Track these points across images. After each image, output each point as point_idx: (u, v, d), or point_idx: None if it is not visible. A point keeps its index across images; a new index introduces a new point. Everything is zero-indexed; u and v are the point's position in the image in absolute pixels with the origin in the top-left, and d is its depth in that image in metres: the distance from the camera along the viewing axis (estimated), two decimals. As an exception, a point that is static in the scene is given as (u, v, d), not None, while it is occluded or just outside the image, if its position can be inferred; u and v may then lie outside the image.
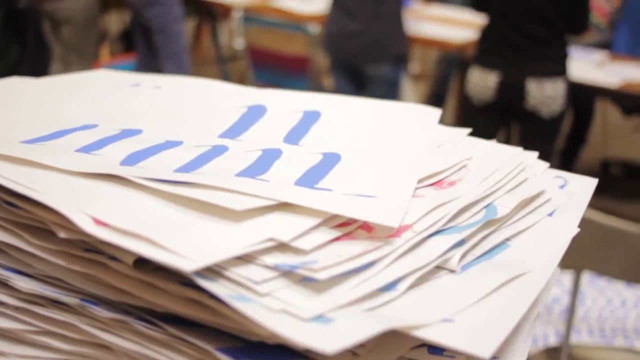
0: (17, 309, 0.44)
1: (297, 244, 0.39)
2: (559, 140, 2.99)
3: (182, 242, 0.37)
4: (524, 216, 0.51)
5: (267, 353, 0.38)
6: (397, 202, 0.43)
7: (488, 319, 0.39)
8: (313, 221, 0.40)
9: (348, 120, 0.59)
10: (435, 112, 0.62)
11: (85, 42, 3.28)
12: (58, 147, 0.48)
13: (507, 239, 0.48)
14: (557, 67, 2.60)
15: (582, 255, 1.57)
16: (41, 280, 0.44)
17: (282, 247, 0.39)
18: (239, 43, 4.25)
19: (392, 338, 0.42)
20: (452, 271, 0.44)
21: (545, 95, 2.56)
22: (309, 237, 0.39)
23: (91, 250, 0.42)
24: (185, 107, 0.61)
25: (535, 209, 0.52)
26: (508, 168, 0.53)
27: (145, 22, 2.74)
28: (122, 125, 0.54)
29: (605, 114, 4.15)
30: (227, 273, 0.36)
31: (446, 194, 0.48)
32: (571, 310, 1.68)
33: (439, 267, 0.44)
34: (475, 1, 2.92)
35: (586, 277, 1.95)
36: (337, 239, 0.41)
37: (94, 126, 0.54)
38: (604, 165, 4.00)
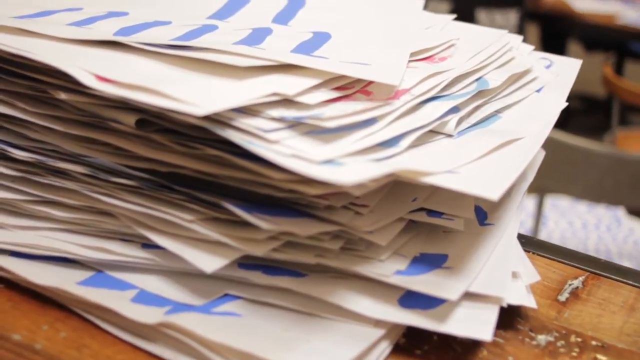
0: (15, 179, 0.43)
1: (301, 99, 0.39)
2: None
3: (189, 92, 0.37)
4: (513, 91, 0.52)
5: (275, 209, 0.39)
6: (394, 65, 0.44)
7: (491, 169, 0.40)
8: (314, 81, 0.40)
9: (334, 5, 0.59)
10: (420, 0, 0.62)
11: None
12: (48, 22, 0.48)
13: (498, 111, 0.49)
14: None
15: (546, 177, 1.60)
16: (39, 152, 0.43)
17: (286, 102, 0.39)
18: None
19: (393, 200, 0.43)
20: (449, 136, 0.44)
21: (495, 25, 2.56)
22: (312, 94, 0.40)
23: (90, 116, 0.41)
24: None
25: (524, 85, 0.53)
26: (496, 47, 0.53)
27: None
28: (107, 8, 0.53)
29: (568, 49, 4.18)
30: (235, 123, 0.36)
31: (439, 66, 0.48)
32: (534, 232, 1.72)
33: (436, 132, 0.44)
34: None
35: (549, 201, 1.99)
36: (337, 99, 0.41)
37: (79, 9, 0.53)
38: (563, 100, 4.04)
